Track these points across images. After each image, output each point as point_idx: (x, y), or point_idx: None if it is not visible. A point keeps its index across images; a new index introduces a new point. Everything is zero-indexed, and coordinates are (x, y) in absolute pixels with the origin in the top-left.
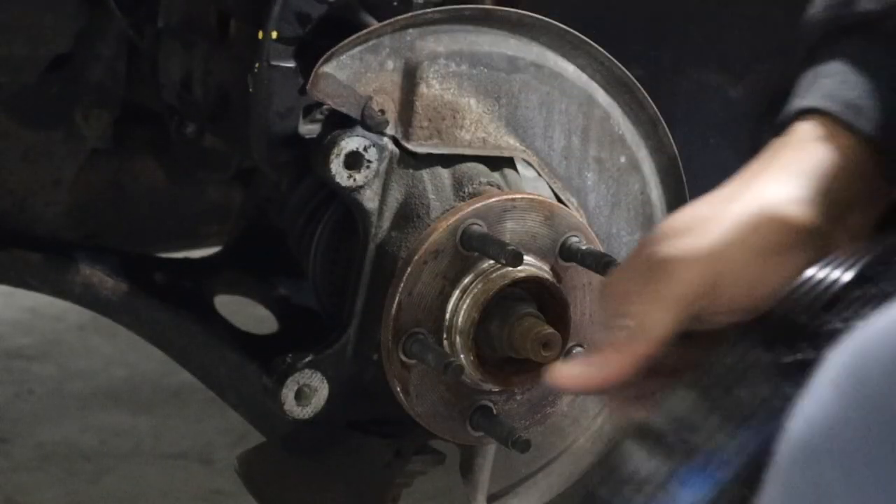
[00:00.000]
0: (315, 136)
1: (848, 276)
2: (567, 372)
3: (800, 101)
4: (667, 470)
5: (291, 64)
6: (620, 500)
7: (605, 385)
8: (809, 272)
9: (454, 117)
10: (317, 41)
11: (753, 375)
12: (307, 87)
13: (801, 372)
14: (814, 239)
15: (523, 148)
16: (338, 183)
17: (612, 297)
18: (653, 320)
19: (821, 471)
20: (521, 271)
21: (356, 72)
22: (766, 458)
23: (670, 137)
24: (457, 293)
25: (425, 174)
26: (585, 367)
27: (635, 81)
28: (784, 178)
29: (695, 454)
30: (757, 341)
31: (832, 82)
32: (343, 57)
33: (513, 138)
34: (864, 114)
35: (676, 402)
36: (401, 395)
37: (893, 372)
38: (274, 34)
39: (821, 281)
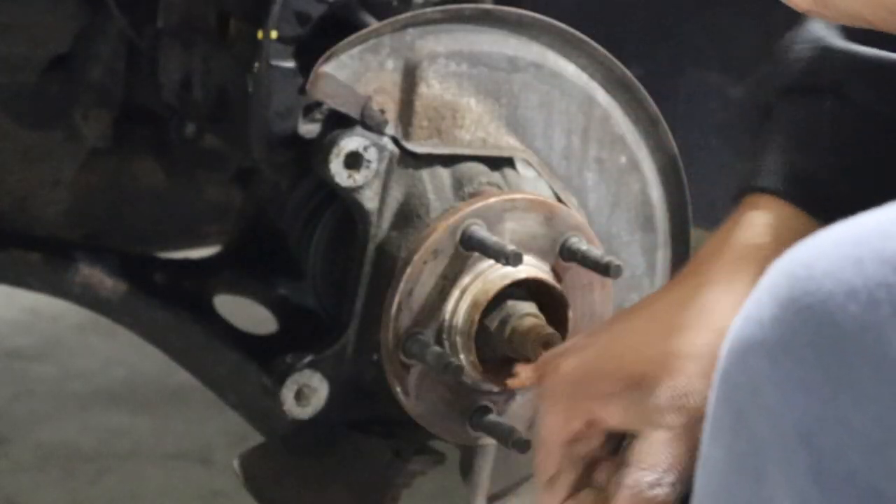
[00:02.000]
0: (315, 136)
1: None
2: None
3: (753, 179)
4: None
5: (291, 64)
6: None
7: None
8: None
9: (454, 117)
10: (317, 41)
11: None
12: (307, 87)
13: None
14: None
15: (523, 148)
16: (337, 183)
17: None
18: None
19: (752, 362)
20: (521, 271)
21: (356, 71)
22: None
23: (671, 137)
24: (456, 293)
25: (425, 174)
26: None
27: (636, 81)
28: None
29: None
30: None
31: (778, 157)
32: (343, 57)
33: (513, 138)
34: (824, 205)
35: None
36: (401, 395)
37: (821, 280)
38: (274, 34)
39: None
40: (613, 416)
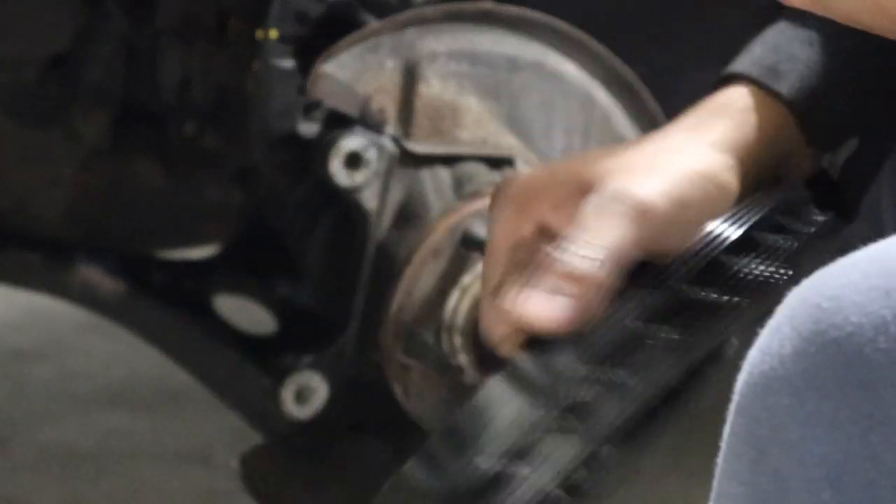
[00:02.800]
0: (315, 136)
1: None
2: (541, 309)
3: (731, 65)
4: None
5: (291, 64)
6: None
7: (579, 321)
8: (714, 224)
9: (454, 117)
10: (316, 41)
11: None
12: (306, 87)
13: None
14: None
15: (523, 147)
16: (337, 183)
17: (580, 223)
18: (624, 251)
19: (776, 399)
20: None
21: (356, 71)
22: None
23: None
24: (456, 293)
25: (425, 174)
26: (556, 301)
27: (637, 80)
28: (714, 143)
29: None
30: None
31: (763, 47)
32: (342, 56)
33: (513, 138)
34: (783, 77)
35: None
36: (401, 395)
37: (848, 312)
38: (273, 34)
39: (723, 233)
40: (563, 221)
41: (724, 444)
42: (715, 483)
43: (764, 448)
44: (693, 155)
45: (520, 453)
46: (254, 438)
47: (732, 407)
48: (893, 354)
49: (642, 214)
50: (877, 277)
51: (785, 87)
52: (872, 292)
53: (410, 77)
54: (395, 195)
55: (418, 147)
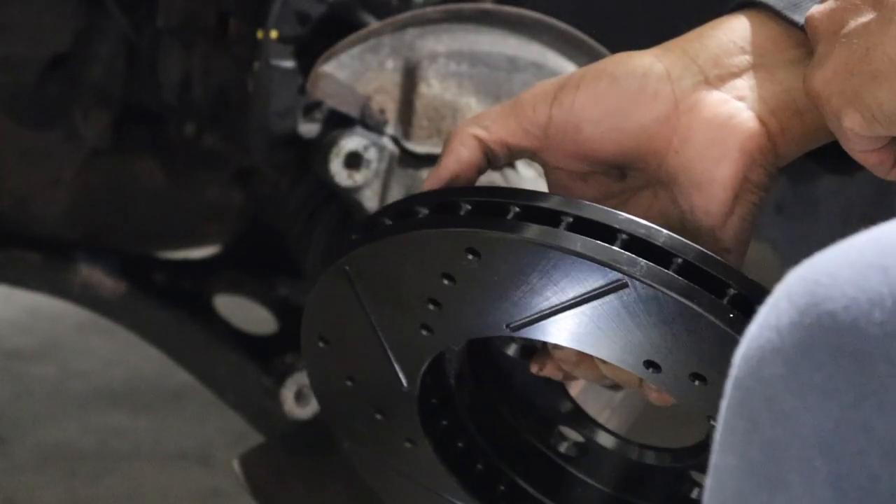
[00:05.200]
0: (315, 136)
1: None
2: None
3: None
4: None
5: (291, 64)
6: None
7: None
8: None
9: (454, 117)
10: (317, 41)
11: None
12: (307, 87)
13: None
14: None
15: None
16: (337, 183)
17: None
18: (492, 119)
19: (770, 370)
20: None
21: (356, 71)
22: None
23: None
24: None
25: (425, 174)
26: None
27: None
28: (663, 52)
29: None
30: None
31: None
32: (343, 56)
33: None
34: (803, 8)
35: None
36: None
37: (844, 287)
38: (273, 34)
39: None
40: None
41: (720, 418)
42: (711, 457)
43: (757, 419)
44: (633, 58)
45: None
46: (254, 438)
47: (729, 381)
48: (888, 327)
49: (514, 102)
50: (874, 255)
51: (805, 18)
52: (869, 269)
53: (410, 77)
54: (395, 195)
55: (418, 147)
